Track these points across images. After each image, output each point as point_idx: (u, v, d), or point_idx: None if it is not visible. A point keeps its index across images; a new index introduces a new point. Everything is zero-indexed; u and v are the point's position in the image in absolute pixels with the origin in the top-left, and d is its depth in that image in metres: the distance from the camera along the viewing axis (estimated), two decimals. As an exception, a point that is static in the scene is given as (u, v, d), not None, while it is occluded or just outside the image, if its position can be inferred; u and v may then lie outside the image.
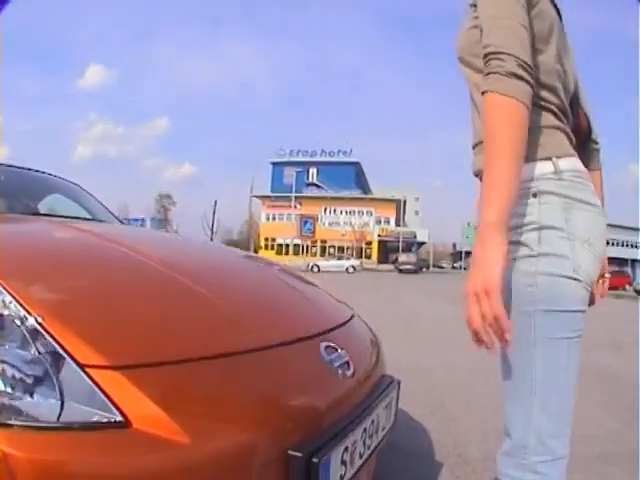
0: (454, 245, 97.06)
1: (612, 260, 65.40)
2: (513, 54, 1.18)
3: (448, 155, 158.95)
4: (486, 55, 1.21)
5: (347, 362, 1.67)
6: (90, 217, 3.18)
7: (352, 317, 2.18)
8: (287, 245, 55.76)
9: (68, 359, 1.11)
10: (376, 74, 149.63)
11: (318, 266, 46.43)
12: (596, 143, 1.58)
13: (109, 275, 1.65)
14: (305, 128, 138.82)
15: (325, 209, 70.49)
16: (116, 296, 1.49)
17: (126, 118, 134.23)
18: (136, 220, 64.73)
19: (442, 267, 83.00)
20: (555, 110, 1.34)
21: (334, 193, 70.40)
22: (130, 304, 1.48)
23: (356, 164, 74.43)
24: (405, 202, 77.12)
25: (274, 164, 74.66)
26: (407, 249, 66.66)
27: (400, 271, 51.00)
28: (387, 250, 73.30)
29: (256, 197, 72.44)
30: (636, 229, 63.65)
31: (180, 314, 1.52)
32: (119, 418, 1.07)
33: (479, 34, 1.28)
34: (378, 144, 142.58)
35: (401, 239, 67.52)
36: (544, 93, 1.32)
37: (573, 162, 1.32)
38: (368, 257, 67.56)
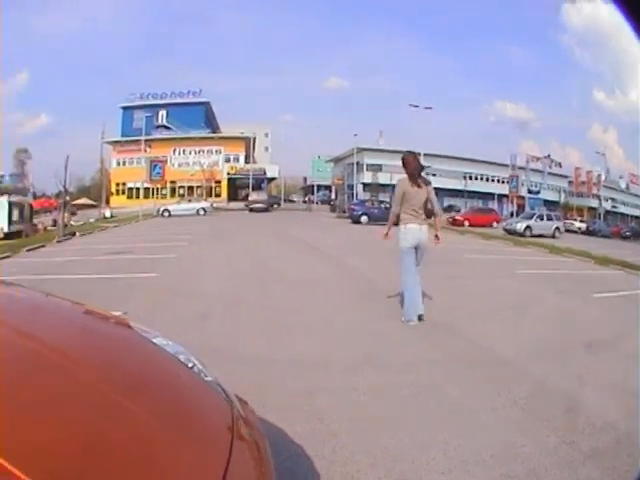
0: (305, 179, 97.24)
1: (476, 194, 68.42)
2: (394, 211, 7.11)
3: (297, 89, 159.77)
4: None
5: None
6: None
7: (233, 436, 1.67)
8: (137, 189, 55.30)
9: None
10: (223, 13, 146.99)
11: (169, 210, 45.46)
12: (435, 216, 7.19)
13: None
14: (157, 71, 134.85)
15: (174, 150, 69.62)
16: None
17: None
18: (-5, 178, 62.14)
19: (293, 201, 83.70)
20: (412, 213, 6.87)
21: (183, 134, 69.62)
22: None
23: (206, 104, 73.72)
24: (255, 139, 77.05)
25: (124, 108, 72.53)
26: (257, 186, 66.89)
27: (251, 210, 50.63)
28: (236, 188, 73.42)
29: (107, 143, 69.75)
30: (502, 164, 66.23)
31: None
32: None
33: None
34: (228, 83, 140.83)
35: (251, 176, 67.72)
36: (409, 209, 6.87)
37: (410, 225, 6.88)
38: (218, 195, 67.72)
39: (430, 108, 45.91)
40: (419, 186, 6.82)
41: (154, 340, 2.14)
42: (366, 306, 8.27)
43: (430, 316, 7.12)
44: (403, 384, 4.64)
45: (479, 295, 9.85)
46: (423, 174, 7.12)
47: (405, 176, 6.92)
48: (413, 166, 6.91)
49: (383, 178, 64.32)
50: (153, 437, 1.48)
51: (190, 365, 2.03)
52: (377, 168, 66.26)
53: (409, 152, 7.20)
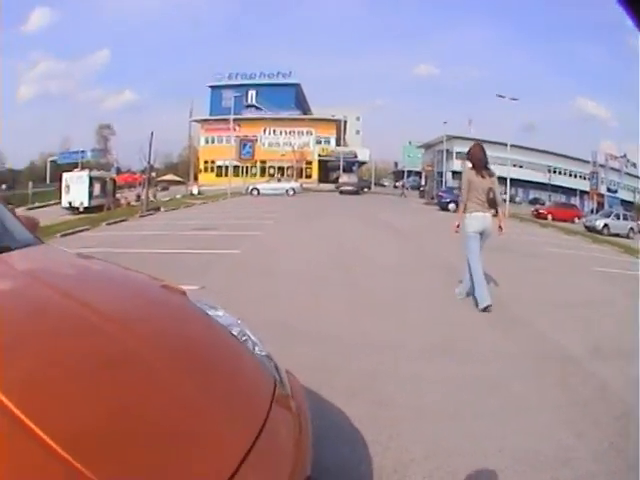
0: (395, 164, 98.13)
1: (559, 188, 68.04)
2: (462, 199, 7.35)
3: (388, 74, 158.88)
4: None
5: None
6: None
7: (270, 407, 1.70)
8: (227, 167, 55.23)
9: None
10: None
11: (258, 189, 45.57)
12: (496, 205, 7.21)
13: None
14: (244, 51, 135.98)
15: (265, 130, 69.59)
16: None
17: (68, 54, 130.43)
18: (76, 153, 63.30)
19: (383, 185, 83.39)
20: (477, 201, 7.04)
21: (273, 114, 69.59)
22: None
23: (296, 85, 73.53)
24: (346, 122, 77.00)
25: (212, 87, 73.32)
26: (348, 169, 66.42)
27: (341, 192, 50.40)
28: (327, 169, 73.22)
29: (195, 121, 71.01)
30: (583, 160, 65.17)
31: None
32: None
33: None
34: (319, 65, 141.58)
35: (342, 159, 67.28)
36: (474, 197, 7.08)
37: (475, 213, 7.06)
38: (308, 177, 67.46)
39: (516, 99, 45.73)
40: (483, 176, 7.11)
41: (209, 312, 2.21)
42: (445, 293, 8.12)
43: (507, 306, 7.39)
44: (470, 375, 4.59)
45: (555, 289, 9.77)
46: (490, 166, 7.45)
47: (470, 165, 7.29)
48: (478, 157, 7.24)
49: (472, 167, 62.97)
50: (184, 404, 1.53)
51: (244, 338, 2.10)
52: (466, 156, 64.46)
53: (476, 143, 7.64)
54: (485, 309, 6.82)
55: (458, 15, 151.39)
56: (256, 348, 2.07)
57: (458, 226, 7.36)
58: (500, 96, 44.83)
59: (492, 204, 7.13)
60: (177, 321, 2.11)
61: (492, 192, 7.09)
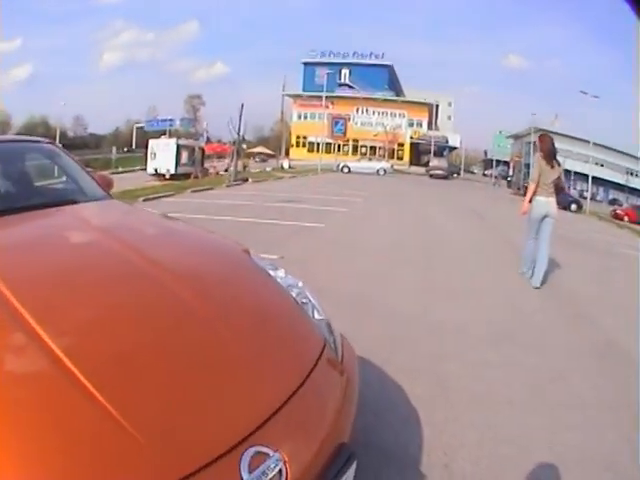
0: (485, 152, 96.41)
1: (636, 191, 66.76)
2: (531, 186, 7.58)
3: (483, 61, 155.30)
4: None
5: (281, 470, 1.33)
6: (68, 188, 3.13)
7: (314, 367, 1.76)
8: (318, 143, 55.79)
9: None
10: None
11: (349, 167, 45.47)
12: (563, 191, 8.31)
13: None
14: (337, 30, 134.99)
15: (357, 109, 69.91)
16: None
17: (155, 25, 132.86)
18: (164, 121, 64.82)
19: (473, 172, 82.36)
20: (543, 187, 7.43)
21: (367, 94, 69.56)
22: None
23: (389, 67, 73.36)
24: (438, 106, 76.68)
25: (305, 64, 74.09)
26: (439, 153, 65.75)
27: (431, 176, 50.38)
28: (419, 153, 72.55)
29: (288, 96, 71.89)
30: None
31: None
32: None
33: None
34: (412, 48, 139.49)
35: (433, 142, 66.46)
36: (541, 183, 7.41)
37: (539, 198, 7.48)
38: (400, 158, 67.21)
39: (597, 97, 46.68)
40: (552, 166, 7.57)
41: (271, 272, 2.32)
42: (521, 281, 8.02)
43: (578, 305, 7.23)
44: (534, 366, 4.50)
45: (625, 290, 8.95)
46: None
47: (541, 154, 7.74)
48: (548, 148, 7.67)
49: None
50: (225, 356, 1.61)
51: (304, 300, 2.17)
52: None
53: (545, 134, 8.42)
54: (523, 274, 7.99)
55: (552, 10, 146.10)
56: (315, 312, 2.15)
57: (524, 208, 7.93)
58: (583, 92, 45.77)
59: (560, 190, 7.78)
60: (236, 278, 2.20)
61: (560, 180, 7.74)
